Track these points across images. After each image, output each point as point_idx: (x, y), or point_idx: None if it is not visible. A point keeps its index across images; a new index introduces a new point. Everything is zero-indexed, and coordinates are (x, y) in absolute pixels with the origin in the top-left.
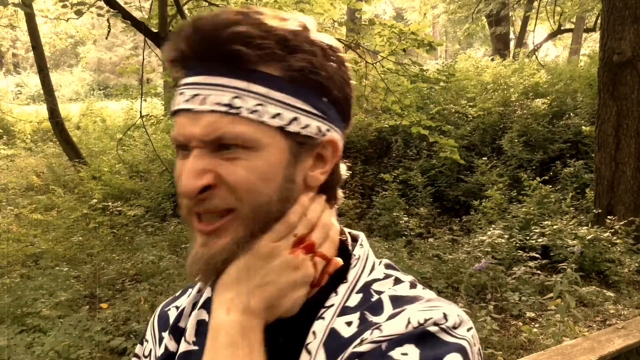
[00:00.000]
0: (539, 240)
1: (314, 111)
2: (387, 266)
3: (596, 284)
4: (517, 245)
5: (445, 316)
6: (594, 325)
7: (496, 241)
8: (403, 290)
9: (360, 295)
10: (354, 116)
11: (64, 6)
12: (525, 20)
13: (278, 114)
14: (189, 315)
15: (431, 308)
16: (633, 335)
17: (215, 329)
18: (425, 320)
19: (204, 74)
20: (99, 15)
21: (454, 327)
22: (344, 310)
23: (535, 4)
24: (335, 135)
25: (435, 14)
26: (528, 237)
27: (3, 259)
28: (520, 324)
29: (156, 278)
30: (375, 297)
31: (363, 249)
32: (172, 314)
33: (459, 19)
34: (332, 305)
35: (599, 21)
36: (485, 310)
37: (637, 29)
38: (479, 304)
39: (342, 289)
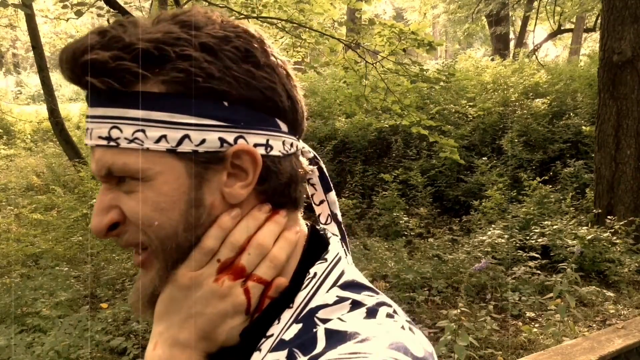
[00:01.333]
0: (539, 240)
1: (211, 122)
2: (347, 286)
3: (596, 284)
4: (517, 245)
5: None
6: (594, 325)
7: (496, 241)
8: (351, 321)
9: (300, 325)
10: (300, 103)
11: (64, 6)
12: (525, 20)
13: (162, 136)
14: None
15: (350, 356)
16: (633, 335)
17: None
18: None
19: (90, 105)
20: (99, 15)
21: None
22: (278, 345)
23: (535, 4)
24: (255, 139)
25: (435, 14)
26: (528, 237)
27: (3, 259)
28: (520, 324)
29: None
30: (316, 328)
31: (325, 264)
32: None
33: (459, 19)
34: (272, 335)
35: (599, 21)
36: (485, 310)
37: (637, 29)
38: (479, 304)
39: (286, 315)
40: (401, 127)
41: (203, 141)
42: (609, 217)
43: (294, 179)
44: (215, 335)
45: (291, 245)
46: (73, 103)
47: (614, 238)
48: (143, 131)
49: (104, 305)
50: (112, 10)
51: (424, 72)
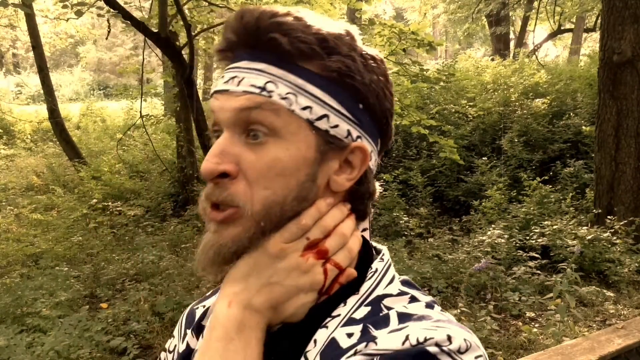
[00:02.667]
0: (539, 240)
1: (347, 114)
2: (405, 283)
3: (596, 284)
4: (517, 245)
5: (449, 338)
6: (594, 325)
7: (496, 241)
8: (415, 308)
9: (369, 308)
10: (393, 133)
11: (64, 6)
12: (525, 20)
13: (309, 107)
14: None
15: (436, 327)
16: (633, 335)
17: (213, 320)
18: (426, 339)
19: (245, 60)
20: (99, 15)
21: (459, 352)
22: (349, 322)
23: (535, 4)
24: (367, 144)
25: (435, 14)
26: (528, 237)
27: (3, 259)
28: (520, 324)
29: (156, 278)
30: (384, 312)
31: (382, 263)
32: (199, 312)
33: (459, 19)
34: (338, 315)
35: (599, 21)
36: (485, 310)
37: (637, 29)
38: (479, 304)
39: (352, 300)
40: (401, 127)
41: (336, 126)
42: (609, 217)
43: (372, 194)
44: (285, 308)
45: (360, 243)
46: (73, 103)
47: (614, 238)
48: (295, 95)
49: (104, 305)
50: (112, 10)
51: (424, 72)
